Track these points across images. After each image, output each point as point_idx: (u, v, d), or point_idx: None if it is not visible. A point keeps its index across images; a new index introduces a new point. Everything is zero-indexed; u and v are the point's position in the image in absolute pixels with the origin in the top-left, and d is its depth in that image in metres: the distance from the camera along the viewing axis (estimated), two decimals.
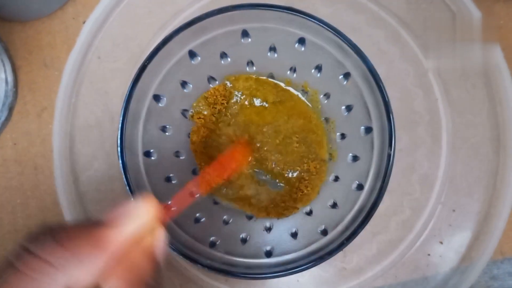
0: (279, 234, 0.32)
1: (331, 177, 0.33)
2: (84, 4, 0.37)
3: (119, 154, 0.27)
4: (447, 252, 0.34)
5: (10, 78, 0.35)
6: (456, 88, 0.36)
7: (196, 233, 0.30)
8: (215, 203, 0.34)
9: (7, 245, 0.35)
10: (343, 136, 0.33)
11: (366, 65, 0.27)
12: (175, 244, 0.27)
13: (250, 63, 0.33)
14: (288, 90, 0.34)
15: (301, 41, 0.30)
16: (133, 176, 0.27)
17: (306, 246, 0.29)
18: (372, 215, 0.26)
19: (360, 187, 0.29)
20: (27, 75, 0.36)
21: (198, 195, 0.21)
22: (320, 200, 0.33)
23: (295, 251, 0.29)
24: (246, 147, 0.22)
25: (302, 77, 0.33)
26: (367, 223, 0.27)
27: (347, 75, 0.30)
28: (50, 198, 0.35)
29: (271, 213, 0.33)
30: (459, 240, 0.35)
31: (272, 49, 0.32)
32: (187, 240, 0.29)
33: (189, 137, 0.34)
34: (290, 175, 0.34)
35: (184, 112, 0.33)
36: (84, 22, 0.36)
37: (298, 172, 0.34)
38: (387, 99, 0.27)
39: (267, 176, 0.34)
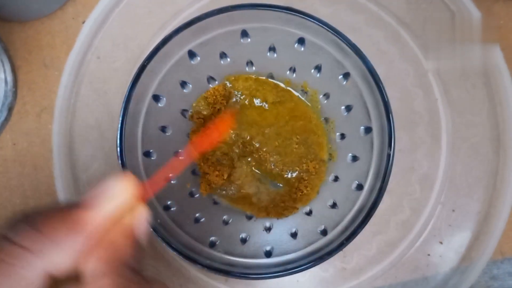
0: (279, 234, 0.32)
1: (331, 177, 0.33)
2: (84, 4, 0.37)
3: (119, 154, 0.27)
4: (447, 252, 0.34)
5: (9, 78, 0.35)
6: (456, 88, 0.36)
7: (196, 233, 0.30)
8: (215, 203, 0.34)
9: None
10: (342, 136, 0.33)
11: (366, 65, 0.27)
12: (175, 244, 0.27)
13: (250, 63, 0.33)
14: (288, 90, 0.34)
15: (301, 41, 0.30)
16: None
17: (305, 246, 0.29)
18: (372, 215, 0.26)
19: (359, 187, 0.29)
20: (27, 75, 0.36)
21: (181, 169, 0.21)
22: (319, 200, 0.33)
23: (294, 251, 0.29)
24: (228, 118, 0.24)
25: (302, 77, 0.33)
26: (366, 223, 0.27)
27: (346, 75, 0.30)
28: (50, 198, 0.35)
29: (271, 213, 0.33)
30: (459, 240, 0.35)
31: (272, 49, 0.32)
32: (187, 240, 0.29)
33: (188, 137, 0.34)
34: (289, 175, 0.34)
35: (183, 112, 0.33)
36: (83, 22, 0.36)
37: (297, 172, 0.34)
38: (386, 99, 0.27)
39: (266, 178, 0.34)
